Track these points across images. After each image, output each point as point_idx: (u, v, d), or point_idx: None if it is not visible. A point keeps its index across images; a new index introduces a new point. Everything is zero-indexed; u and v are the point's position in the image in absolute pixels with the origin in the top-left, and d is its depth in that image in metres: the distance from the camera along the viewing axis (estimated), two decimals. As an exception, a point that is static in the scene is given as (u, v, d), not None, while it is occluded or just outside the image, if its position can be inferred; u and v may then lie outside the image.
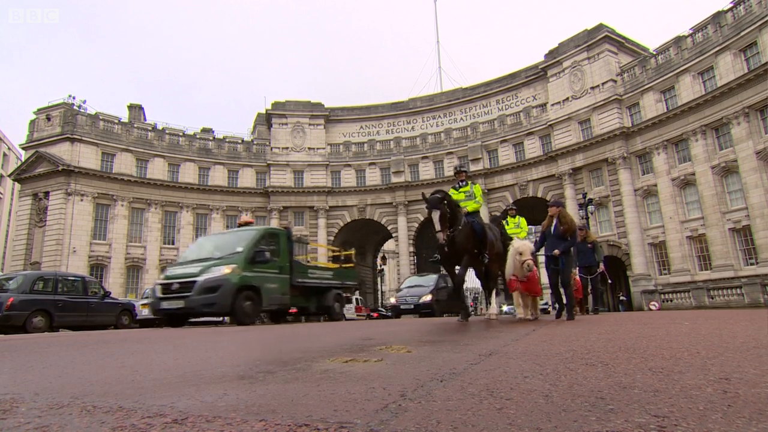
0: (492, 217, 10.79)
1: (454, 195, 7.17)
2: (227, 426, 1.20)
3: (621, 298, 29.35)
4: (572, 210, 30.39)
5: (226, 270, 8.72)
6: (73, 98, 33.81)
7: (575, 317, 7.42)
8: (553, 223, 7.17)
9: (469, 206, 6.99)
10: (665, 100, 28.03)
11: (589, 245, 9.77)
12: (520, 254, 6.51)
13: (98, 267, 31.77)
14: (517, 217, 10.39)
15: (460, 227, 6.46)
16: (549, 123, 33.50)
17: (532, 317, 6.93)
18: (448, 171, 37.22)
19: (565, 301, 7.37)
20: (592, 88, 31.26)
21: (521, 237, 9.08)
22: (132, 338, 5.60)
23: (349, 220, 38.71)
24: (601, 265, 9.94)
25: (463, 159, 36.82)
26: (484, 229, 6.92)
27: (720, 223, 24.87)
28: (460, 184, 7.46)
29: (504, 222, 9.71)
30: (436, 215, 6.09)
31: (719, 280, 23.81)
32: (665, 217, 27.38)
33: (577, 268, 9.32)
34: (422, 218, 35.35)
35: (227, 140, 38.70)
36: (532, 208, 30.62)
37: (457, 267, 6.90)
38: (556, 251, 7.04)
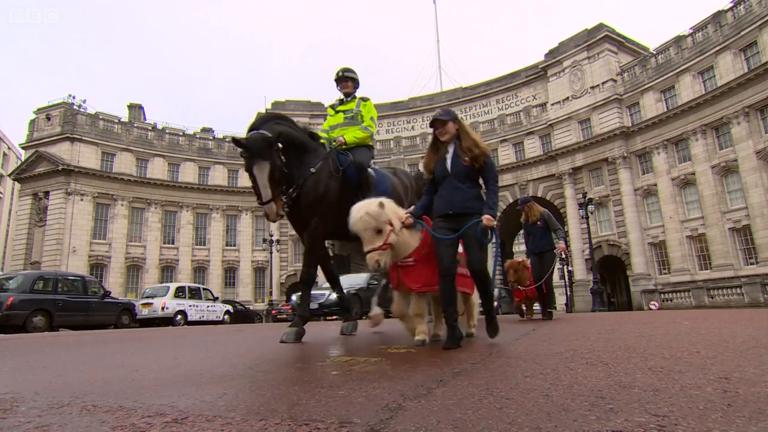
0: (417, 173, 5.43)
1: (330, 119, 4.67)
2: (227, 425, 1.20)
3: (611, 299, 29.33)
4: (572, 209, 30.43)
5: None
6: (73, 98, 33.83)
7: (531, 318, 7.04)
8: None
9: (347, 135, 4.28)
10: (665, 99, 28.03)
11: (539, 224, 7.01)
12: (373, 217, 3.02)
13: (98, 267, 31.78)
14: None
15: (320, 179, 3.87)
16: (549, 122, 33.50)
17: (429, 337, 3.34)
18: (448, 170, 37.25)
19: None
20: (592, 87, 31.26)
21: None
22: (132, 338, 5.60)
23: (348, 219, 38.68)
24: (560, 244, 7.17)
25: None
26: (368, 179, 4.19)
27: (720, 223, 24.87)
28: (345, 99, 4.66)
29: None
30: (259, 171, 3.43)
31: (719, 280, 23.82)
32: (665, 217, 27.39)
33: (530, 257, 7.18)
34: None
35: (227, 140, 38.66)
36: (532, 208, 30.59)
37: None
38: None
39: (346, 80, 4.62)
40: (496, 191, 3.16)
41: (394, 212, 3.17)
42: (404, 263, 3.23)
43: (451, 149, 3.25)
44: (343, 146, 4.26)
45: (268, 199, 3.45)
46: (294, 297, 14.48)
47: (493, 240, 3.17)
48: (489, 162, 3.20)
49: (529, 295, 7.27)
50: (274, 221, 3.66)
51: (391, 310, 3.47)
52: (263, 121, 3.74)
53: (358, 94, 4.74)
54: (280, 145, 3.60)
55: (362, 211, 3.00)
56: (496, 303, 12.73)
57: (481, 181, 3.27)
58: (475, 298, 3.77)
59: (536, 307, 7.82)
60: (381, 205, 3.04)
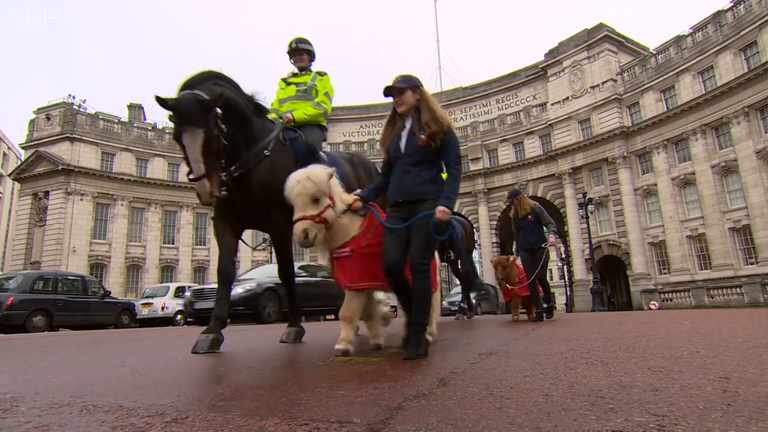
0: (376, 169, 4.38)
1: (280, 92, 4.11)
2: (227, 425, 1.20)
3: (612, 300, 29.35)
4: (572, 209, 30.42)
5: None
6: (73, 98, 33.79)
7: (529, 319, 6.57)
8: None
9: (296, 111, 3.78)
10: (665, 99, 28.03)
11: (530, 218, 6.51)
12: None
13: (98, 266, 31.76)
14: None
15: (278, 165, 3.32)
16: (549, 122, 33.49)
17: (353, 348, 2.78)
18: (448, 170, 37.24)
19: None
20: (592, 87, 31.25)
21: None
22: (132, 338, 5.60)
23: (348, 219, 38.72)
24: (551, 238, 6.39)
25: (463, 158, 36.82)
26: (315, 154, 3.69)
27: (720, 223, 24.87)
28: (299, 72, 4.11)
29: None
30: (191, 140, 2.82)
31: (719, 280, 23.82)
32: (665, 217, 27.39)
33: (521, 254, 6.66)
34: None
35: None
36: (532, 208, 30.62)
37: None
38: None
39: (300, 53, 4.05)
40: (458, 177, 2.66)
41: (339, 193, 2.78)
42: (339, 254, 2.75)
43: (408, 125, 2.75)
44: (292, 123, 3.72)
45: (200, 175, 2.82)
46: (188, 293, 12.30)
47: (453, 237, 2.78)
48: (449, 141, 2.66)
49: (518, 293, 6.72)
50: (207, 203, 2.95)
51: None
52: (201, 80, 3.01)
53: (315, 68, 4.16)
54: (219, 111, 2.94)
55: (304, 175, 2.60)
56: (474, 301, 11.63)
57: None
58: (436, 299, 3.21)
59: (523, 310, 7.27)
60: (329, 174, 2.67)
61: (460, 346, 3.25)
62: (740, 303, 20.43)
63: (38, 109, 33.80)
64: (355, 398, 1.49)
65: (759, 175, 23.17)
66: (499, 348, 2.96)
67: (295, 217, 2.57)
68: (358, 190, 2.95)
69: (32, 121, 33.71)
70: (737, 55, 24.51)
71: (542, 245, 6.43)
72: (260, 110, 3.55)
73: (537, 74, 35.82)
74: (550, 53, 34.40)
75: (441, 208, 2.50)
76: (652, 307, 23.78)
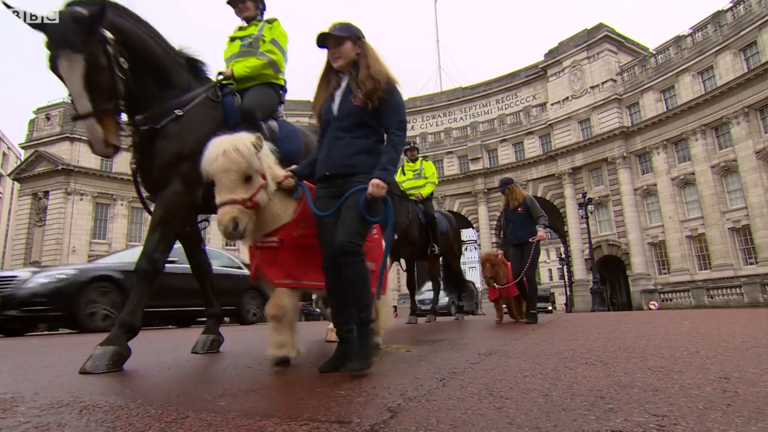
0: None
1: (225, 50, 3.54)
2: (227, 425, 1.20)
3: (612, 300, 29.38)
4: (572, 209, 30.43)
5: None
6: (73, 98, 33.76)
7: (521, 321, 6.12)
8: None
9: (236, 65, 3.15)
10: (665, 99, 28.06)
11: (520, 210, 6.02)
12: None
13: (98, 266, 31.77)
14: (420, 160, 6.85)
15: (191, 127, 2.71)
16: (549, 122, 33.52)
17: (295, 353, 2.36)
18: (448, 170, 37.25)
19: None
20: (592, 87, 31.28)
21: (425, 193, 6.51)
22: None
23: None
24: (540, 231, 5.86)
25: (462, 158, 36.81)
26: (254, 120, 2.96)
27: (719, 223, 24.89)
28: (245, 24, 3.69)
29: (400, 173, 6.79)
30: (69, 69, 2.26)
31: (719, 280, 23.84)
32: (665, 217, 27.41)
33: (510, 249, 6.18)
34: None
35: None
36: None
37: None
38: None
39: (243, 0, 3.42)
40: (399, 143, 2.13)
41: (270, 167, 2.23)
42: (265, 244, 2.24)
43: (343, 83, 2.26)
44: (228, 81, 3.07)
45: (87, 112, 2.27)
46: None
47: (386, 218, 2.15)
48: (390, 101, 2.15)
49: (504, 294, 6.14)
50: (102, 154, 2.37)
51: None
52: (99, 6, 2.29)
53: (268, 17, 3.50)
54: (109, 36, 2.38)
55: (231, 143, 2.01)
56: (446, 299, 10.75)
57: None
58: (388, 301, 2.84)
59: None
60: (258, 142, 2.11)
61: (459, 346, 3.25)
62: (740, 303, 20.44)
63: (38, 109, 33.81)
64: (355, 398, 1.49)
65: (759, 175, 23.19)
66: (498, 348, 2.96)
67: (221, 199, 2.00)
68: (293, 166, 2.40)
69: (32, 121, 33.72)
70: (737, 55, 24.53)
71: (529, 239, 5.88)
72: (195, 66, 2.99)
73: (537, 74, 35.85)
74: (550, 53, 34.43)
75: (375, 181, 1.98)
76: (651, 307, 23.79)
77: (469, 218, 36.60)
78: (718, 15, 25.74)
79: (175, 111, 2.69)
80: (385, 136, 2.21)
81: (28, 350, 3.97)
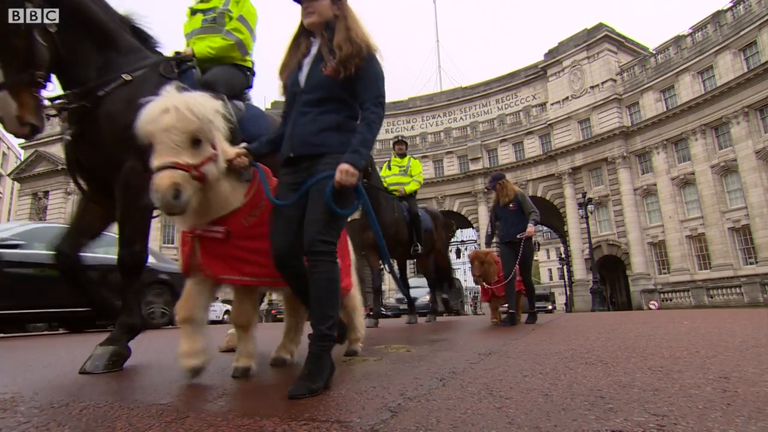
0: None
1: (186, 24, 3.20)
2: (227, 425, 1.20)
3: (613, 299, 29.38)
4: (572, 209, 30.43)
5: None
6: (73, 97, 33.77)
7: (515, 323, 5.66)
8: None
9: (198, 45, 2.86)
10: (665, 99, 28.06)
11: (511, 206, 5.82)
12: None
13: (98, 266, 31.77)
14: (408, 158, 6.66)
15: (122, 80, 2.36)
16: (549, 122, 33.52)
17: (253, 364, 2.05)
18: (448, 170, 37.25)
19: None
20: (592, 87, 31.28)
21: (409, 190, 6.35)
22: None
23: (347, 219, 38.77)
24: (530, 227, 5.64)
25: (462, 158, 36.82)
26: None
27: (719, 223, 24.89)
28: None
29: (386, 167, 6.66)
30: None
31: (718, 280, 23.85)
32: (665, 217, 27.41)
33: (501, 247, 5.90)
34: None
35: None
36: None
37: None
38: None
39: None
40: (375, 121, 1.76)
41: (222, 143, 1.85)
42: (208, 232, 1.87)
43: (313, 49, 1.92)
44: (190, 62, 2.78)
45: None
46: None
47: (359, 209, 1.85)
48: (369, 70, 1.81)
49: (496, 293, 5.88)
50: (16, 133, 2.05)
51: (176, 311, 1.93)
52: None
53: None
54: None
55: (180, 101, 1.67)
56: (426, 298, 10.39)
57: None
58: (356, 300, 2.57)
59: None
60: (216, 109, 1.78)
61: (459, 346, 3.25)
62: (740, 303, 20.45)
63: (38, 109, 33.76)
64: (355, 398, 1.49)
65: (758, 175, 23.19)
66: (498, 348, 2.96)
67: (158, 162, 1.61)
68: (245, 144, 2.00)
69: (32, 121, 33.70)
70: (737, 55, 24.53)
71: (518, 236, 5.63)
72: (143, 37, 2.63)
73: (537, 74, 35.86)
74: (550, 53, 34.43)
75: (344, 166, 1.65)
76: (651, 307, 23.79)
77: (469, 218, 36.60)
78: (718, 15, 25.74)
79: (123, 76, 2.34)
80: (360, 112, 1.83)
81: (28, 350, 3.97)
